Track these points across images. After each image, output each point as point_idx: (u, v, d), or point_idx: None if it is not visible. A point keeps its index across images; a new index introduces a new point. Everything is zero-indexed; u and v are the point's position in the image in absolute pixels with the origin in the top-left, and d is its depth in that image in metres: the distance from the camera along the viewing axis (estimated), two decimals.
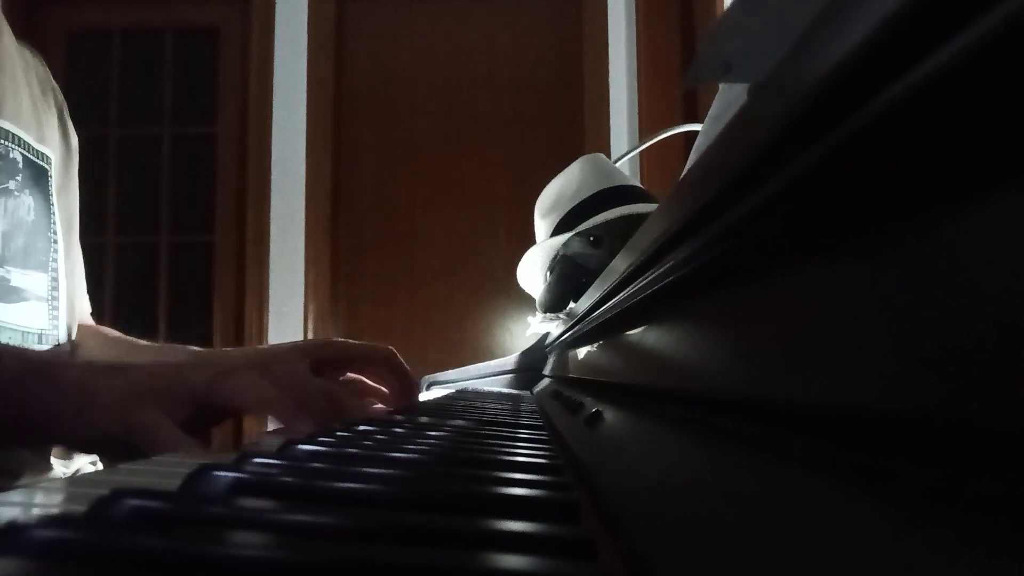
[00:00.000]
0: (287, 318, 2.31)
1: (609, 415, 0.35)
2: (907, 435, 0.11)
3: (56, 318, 0.69)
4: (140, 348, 0.71)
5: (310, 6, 2.42)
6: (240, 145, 2.42)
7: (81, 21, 2.48)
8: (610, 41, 2.33)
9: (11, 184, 0.63)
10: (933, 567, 0.09)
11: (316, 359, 0.58)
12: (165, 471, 0.26)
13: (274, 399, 0.43)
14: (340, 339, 0.65)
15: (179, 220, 2.47)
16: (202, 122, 2.48)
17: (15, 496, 0.22)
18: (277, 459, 0.28)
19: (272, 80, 2.41)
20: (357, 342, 0.64)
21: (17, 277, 0.63)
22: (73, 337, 0.71)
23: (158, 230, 2.46)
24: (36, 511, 0.18)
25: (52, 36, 2.37)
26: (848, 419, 0.13)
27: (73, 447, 0.44)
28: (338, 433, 0.37)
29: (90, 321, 0.81)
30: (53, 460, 0.63)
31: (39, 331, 0.66)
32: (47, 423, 0.42)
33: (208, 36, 2.51)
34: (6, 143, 0.63)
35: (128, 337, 0.75)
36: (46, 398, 0.42)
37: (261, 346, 0.57)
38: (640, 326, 0.35)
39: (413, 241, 2.39)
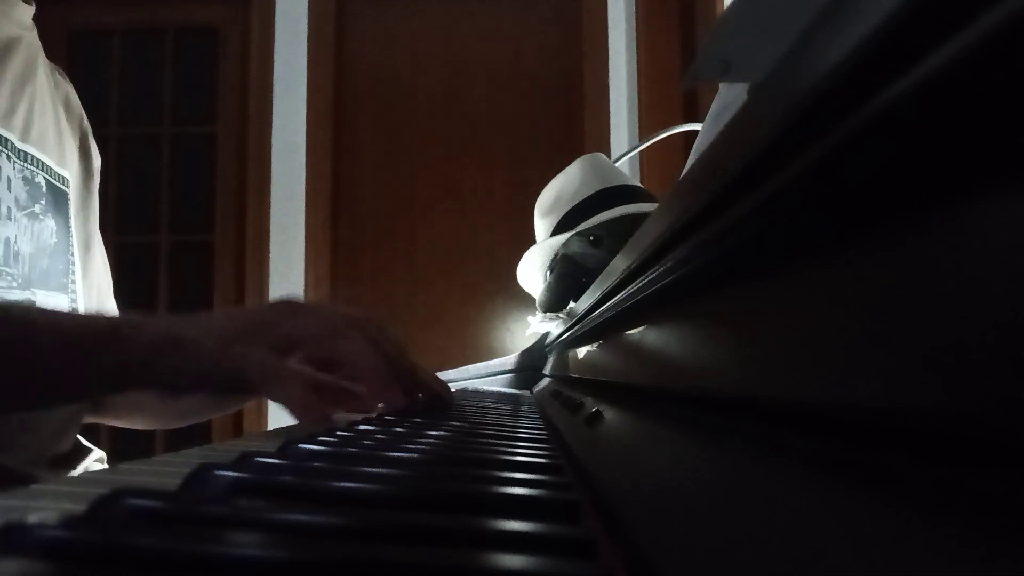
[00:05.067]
0: None
1: (609, 415, 0.35)
2: (907, 435, 0.11)
3: None
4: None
5: (310, 6, 2.42)
6: (240, 145, 2.42)
7: (81, 21, 2.48)
8: (610, 41, 2.33)
9: (36, 208, 0.65)
10: (933, 567, 0.09)
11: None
12: (166, 470, 0.26)
13: (375, 370, 0.43)
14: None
15: (179, 220, 2.47)
16: (202, 122, 2.48)
17: (15, 496, 0.22)
18: (277, 458, 0.28)
19: (272, 80, 2.41)
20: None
21: (42, 299, 0.65)
22: None
23: (158, 230, 2.45)
24: (36, 511, 0.18)
25: (52, 36, 2.36)
26: (848, 419, 0.13)
27: (168, 390, 0.47)
28: (338, 433, 0.37)
29: None
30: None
31: None
32: (142, 367, 0.45)
33: (208, 36, 2.50)
34: (32, 168, 0.65)
35: None
36: (140, 343, 0.45)
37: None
38: (640, 326, 0.35)
39: (413, 241, 2.39)
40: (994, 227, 0.10)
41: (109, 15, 2.49)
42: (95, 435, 0.76)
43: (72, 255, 0.71)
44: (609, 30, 2.33)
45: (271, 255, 2.35)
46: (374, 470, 0.26)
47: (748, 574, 0.13)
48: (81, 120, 0.78)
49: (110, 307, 0.82)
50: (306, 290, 2.33)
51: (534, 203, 1.29)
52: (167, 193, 2.48)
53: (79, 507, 0.19)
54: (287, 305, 0.49)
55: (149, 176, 2.47)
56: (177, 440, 2.18)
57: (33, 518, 0.16)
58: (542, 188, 1.27)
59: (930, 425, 0.10)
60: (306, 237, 2.35)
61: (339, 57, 2.43)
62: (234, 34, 2.47)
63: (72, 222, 0.71)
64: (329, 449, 0.32)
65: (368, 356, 0.44)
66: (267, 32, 2.42)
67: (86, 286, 0.73)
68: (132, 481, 0.24)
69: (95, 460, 0.70)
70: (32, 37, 0.69)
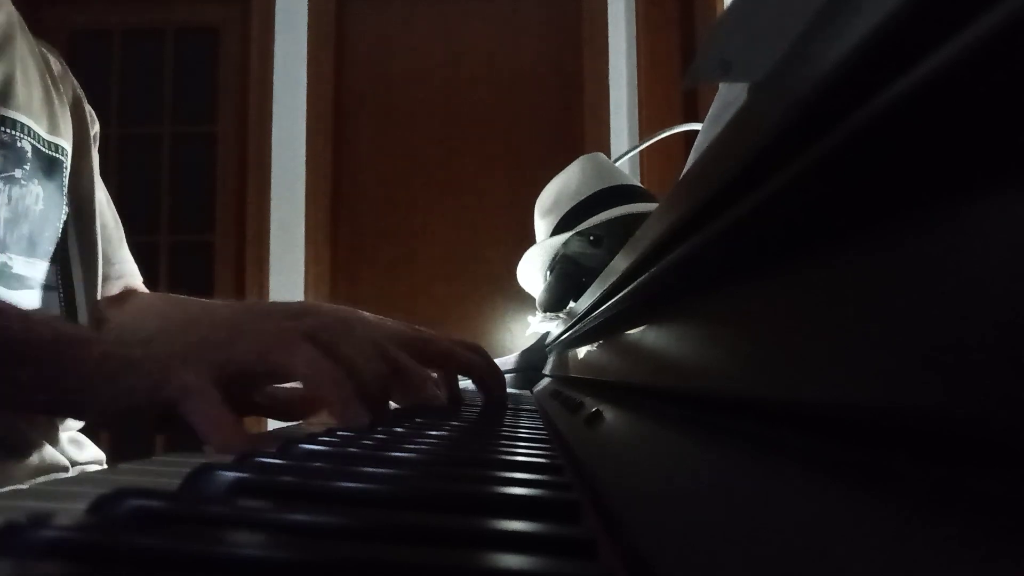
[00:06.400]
0: None
1: (609, 414, 0.35)
2: (907, 435, 0.11)
3: (69, 303, 0.69)
4: (213, 304, 0.72)
5: (310, 6, 2.42)
6: (240, 145, 2.42)
7: (82, 21, 2.48)
8: (610, 41, 2.33)
9: (17, 172, 0.63)
10: (933, 567, 0.09)
11: (414, 351, 0.54)
12: (166, 470, 0.26)
13: (330, 380, 0.40)
14: (450, 344, 0.58)
15: (179, 220, 2.47)
16: (202, 122, 2.48)
17: (16, 496, 0.22)
18: (278, 459, 0.28)
19: (272, 80, 2.41)
20: (465, 355, 0.58)
21: (20, 265, 0.63)
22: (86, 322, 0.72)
23: (158, 230, 2.45)
24: (37, 511, 0.18)
25: (53, 35, 2.36)
26: (848, 419, 0.13)
27: (106, 419, 0.43)
28: (338, 432, 0.37)
29: (143, 289, 0.86)
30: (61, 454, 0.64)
31: None
32: (78, 390, 0.41)
33: (208, 36, 2.51)
34: (14, 132, 0.64)
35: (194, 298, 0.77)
36: (79, 365, 0.41)
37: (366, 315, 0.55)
38: (640, 326, 0.35)
39: (413, 241, 2.39)
40: (994, 227, 0.10)
41: (109, 15, 2.49)
42: (95, 435, 0.76)
43: (64, 222, 0.69)
44: (609, 30, 2.33)
45: (271, 255, 2.35)
46: (374, 470, 0.26)
47: (748, 574, 0.13)
48: (73, 88, 0.77)
49: (124, 255, 0.84)
50: (306, 290, 2.33)
51: (534, 203, 1.29)
52: (167, 193, 2.48)
53: (79, 507, 0.19)
54: (246, 317, 0.46)
55: (149, 176, 2.47)
56: (177, 440, 2.17)
57: (33, 518, 0.16)
58: (542, 188, 1.27)
59: (930, 425, 0.10)
60: (306, 237, 2.36)
61: (339, 57, 2.43)
62: (234, 34, 2.48)
63: (67, 190, 0.70)
64: (329, 449, 0.32)
65: (318, 368, 0.40)
66: (267, 32, 2.42)
67: (86, 253, 0.72)
68: (132, 481, 0.25)
69: (94, 460, 0.70)
70: (9, 6, 0.67)
